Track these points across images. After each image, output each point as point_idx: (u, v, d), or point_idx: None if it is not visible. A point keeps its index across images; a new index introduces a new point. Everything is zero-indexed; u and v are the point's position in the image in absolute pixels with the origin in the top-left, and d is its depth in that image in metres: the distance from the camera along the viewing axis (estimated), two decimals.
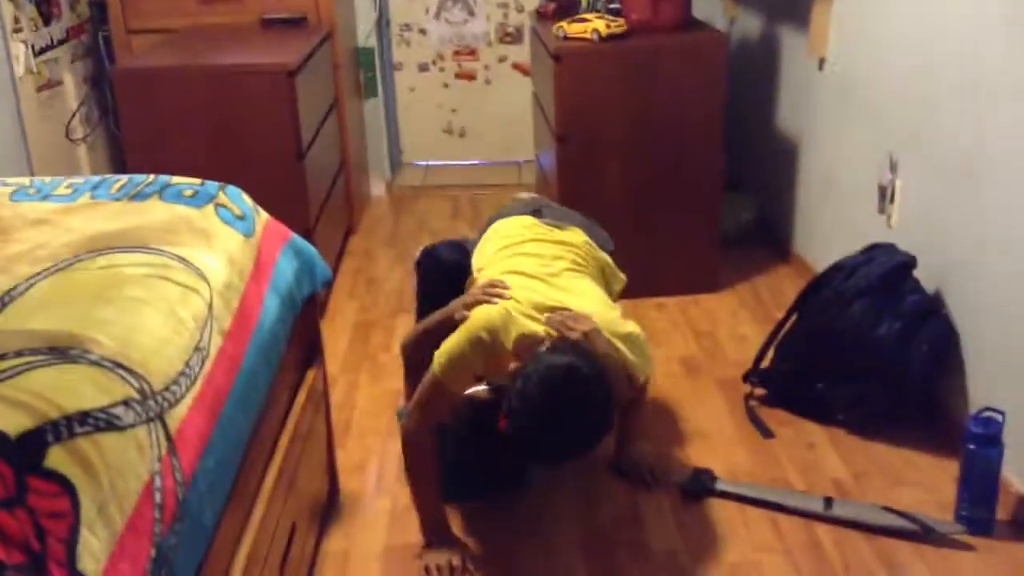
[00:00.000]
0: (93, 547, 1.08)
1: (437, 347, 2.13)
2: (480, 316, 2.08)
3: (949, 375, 2.49)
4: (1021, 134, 2.17)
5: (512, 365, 2.01)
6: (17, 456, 1.06)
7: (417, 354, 2.32)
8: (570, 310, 2.09)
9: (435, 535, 2.21)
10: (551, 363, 1.90)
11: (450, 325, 2.17)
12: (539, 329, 2.04)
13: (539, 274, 2.23)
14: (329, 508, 2.36)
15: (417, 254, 2.72)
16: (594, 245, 2.44)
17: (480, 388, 2.25)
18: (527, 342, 2.02)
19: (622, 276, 2.49)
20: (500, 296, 2.12)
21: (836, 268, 2.65)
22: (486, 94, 5.14)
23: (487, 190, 4.84)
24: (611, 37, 3.23)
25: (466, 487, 2.34)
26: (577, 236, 2.41)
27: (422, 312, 2.54)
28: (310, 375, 2.21)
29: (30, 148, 3.47)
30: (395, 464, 2.50)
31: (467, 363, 2.08)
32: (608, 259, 2.45)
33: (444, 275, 2.53)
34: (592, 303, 2.18)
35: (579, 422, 1.90)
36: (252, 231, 1.93)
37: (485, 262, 2.37)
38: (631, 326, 2.18)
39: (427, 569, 2.13)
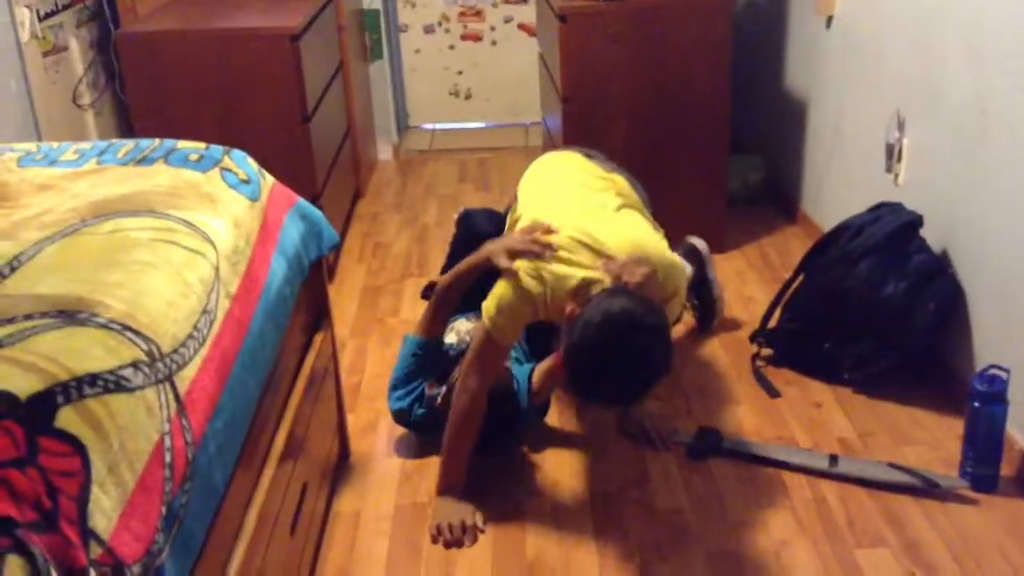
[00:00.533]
0: (104, 505, 1.10)
1: (468, 287, 2.20)
2: (526, 275, 2.06)
3: (955, 334, 2.49)
4: None
5: (568, 308, 2.00)
6: (28, 417, 1.08)
7: (447, 293, 2.38)
8: (624, 257, 2.04)
9: (454, 489, 2.24)
10: (608, 308, 1.89)
11: (486, 268, 2.19)
12: (592, 274, 2.02)
13: (588, 207, 2.21)
14: (340, 469, 2.39)
15: (457, 214, 2.81)
16: (637, 190, 2.43)
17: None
18: (582, 287, 2.01)
19: (661, 230, 2.45)
20: (546, 246, 2.07)
21: (843, 227, 2.65)
22: (492, 56, 5.11)
23: (494, 153, 4.83)
24: None
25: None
26: (622, 180, 2.40)
27: (447, 269, 2.58)
28: (318, 338, 2.23)
29: (37, 114, 3.46)
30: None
31: (516, 316, 2.10)
32: (647, 210, 2.43)
33: (476, 244, 2.54)
34: (643, 232, 2.18)
35: (636, 366, 1.90)
36: (258, 195, 1.94)
37: (529, 196, 2.34)
38: (677, 258, 2.19)
39: (439, 528, 2.17)
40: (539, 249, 2.08)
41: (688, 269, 2.85)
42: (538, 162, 2.54)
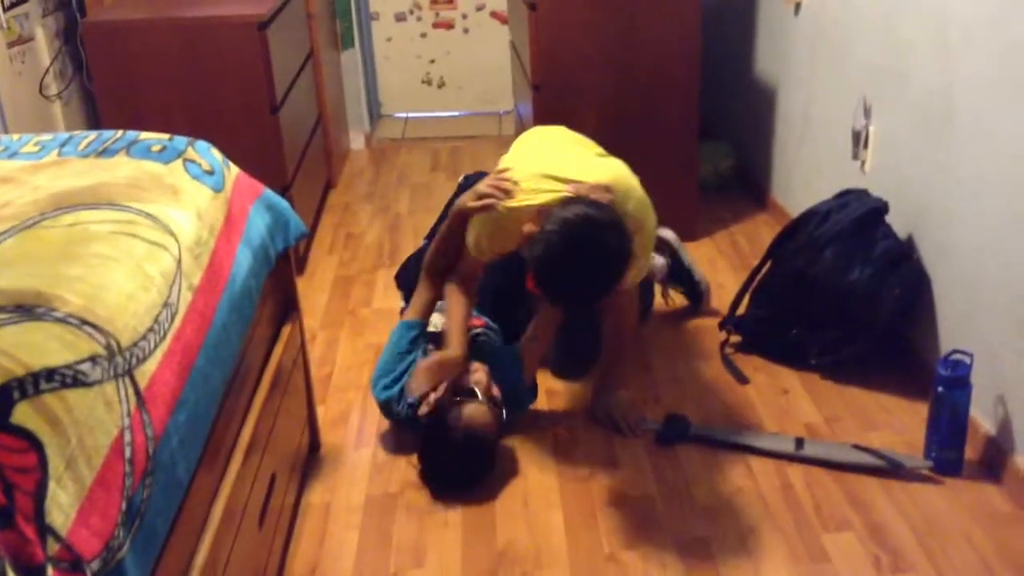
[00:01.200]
0: (61, 501, 1.10)
1: (454, 250, 2.32)
2: (482, 219, 2.24)
3: (920, 319, 2.52)
4: (989, 78, 2.17)
5: (527, 228, 2.11)
6: None
7: (436, 260, 2.42)
8: (590, 183, 2.15)
9: (453, 345, 2.32)
10: (564, 215, 2.01)
11: (460, 222, 2.30)
12: (555, 198, 2.12)
13: (567, 154, 2.35)
14: (310, 461, 2.39)
15: (461, 178, 2.94)
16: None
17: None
18: (544, 209, 2.11)
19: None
20: (506, 190, 2.20)
21: (810, 214, 2.67)
22: (464, 44, 5.10)
23: (467, 141, 4.82)
24: None
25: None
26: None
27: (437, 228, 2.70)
28: (286, 330, 2.22)
29: (3, 106, 3.42)
30: (375, 417, 2.52)
31: (490, 246, 2.28)
32: None
33: None
34: (620, 170, 2.26)
35: (598, 261, 2.00)
36: (222, 186, 1.92)
37: (513, 155, 2.43)
38: (648, 203, 2.26)
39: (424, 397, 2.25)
40: (506, 186, 2.20)
41: (660, 260, 2.88)
42: (525, 133, 2.63)
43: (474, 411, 2.24)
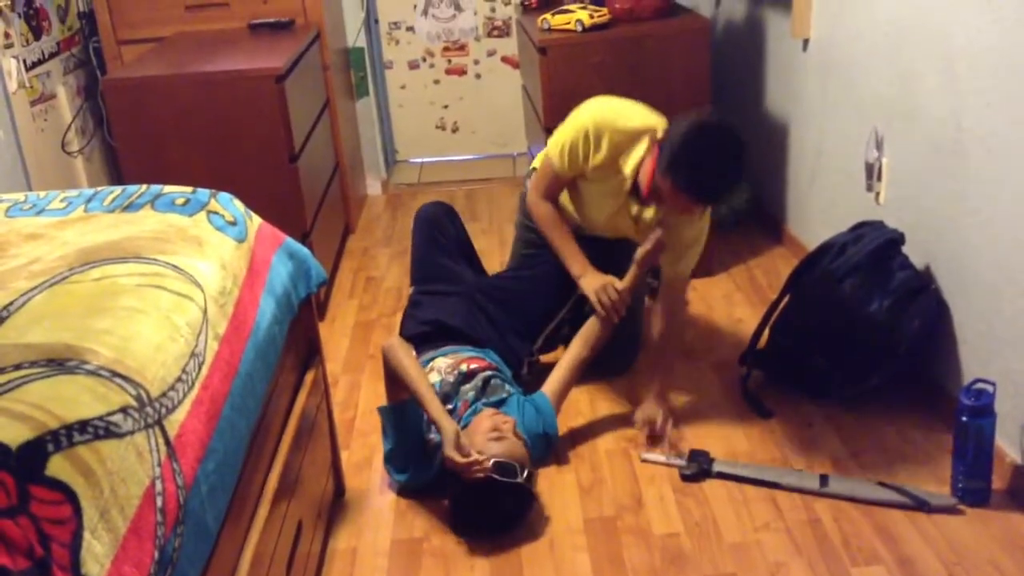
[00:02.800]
0: (96, 551, 1.11)
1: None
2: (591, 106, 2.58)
3: (941, 349, 2.52)
4: (998, 108, 2.19)
5: (647, 145, 2.40)
6: (18, 466, 1.10)
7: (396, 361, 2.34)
8: None
9: (586, 266, 2.58)
10: (694, 117, 2.27)
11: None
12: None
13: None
14: (336, 507, 2.39)
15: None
16: None
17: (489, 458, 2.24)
18: (644, 131, 2.43)
19: None
20: None
21: (826, 247, 2.68)
22: (477, 89, 5.17)
23: (482, 184, 4.86)
24: (595, 27, 3.26)
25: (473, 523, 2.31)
26: None
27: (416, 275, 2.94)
28: (309, 376, 2.24)
29: (27, 163, 3.50)
30: None
31: (574, 154, 2.53)
32: None
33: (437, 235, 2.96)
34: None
35: (732, 148, 2.26)
36: (244, 236, 1.96)
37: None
38: None
39: (599, 300, 2.51)
40: None
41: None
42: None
43: (510, 448, 2.25)
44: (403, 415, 2.38)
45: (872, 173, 2.83)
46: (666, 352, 2.65)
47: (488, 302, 2.76)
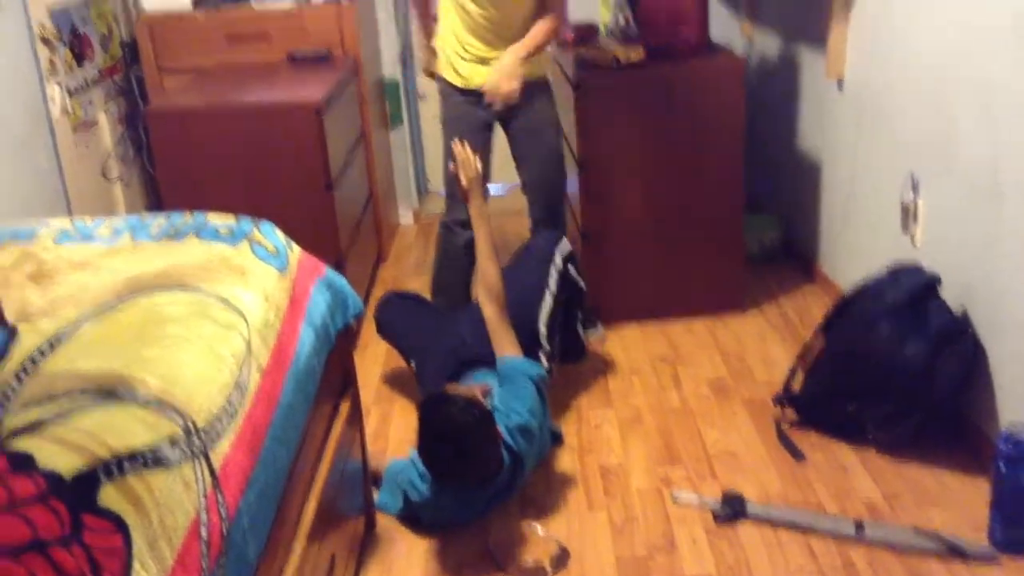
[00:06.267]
0: None
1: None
2: None
3: (978, 394, 2.49)
4: None
5: None
6: (72, 496, 1.11)
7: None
8: None
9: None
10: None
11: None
12: None
13: None
14: (367, 540, 2.39)
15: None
16: None
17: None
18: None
19: None
20: None
21: (862, 288, 2.67)
22: None
23: (511, 216, 4.88)
24: (630, 64, 3.28)
25: None
26: None
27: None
28: (344, 407, 2.25)
29: (68, 188, 3.55)
30: None
31: None
32: None
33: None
34: None
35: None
36: (286, 266, 1.98)
37: None
38: None
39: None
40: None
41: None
42: None
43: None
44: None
45: (908, 215, 2.82)
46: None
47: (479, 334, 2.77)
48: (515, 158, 3.30)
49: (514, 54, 2.97)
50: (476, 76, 3.10)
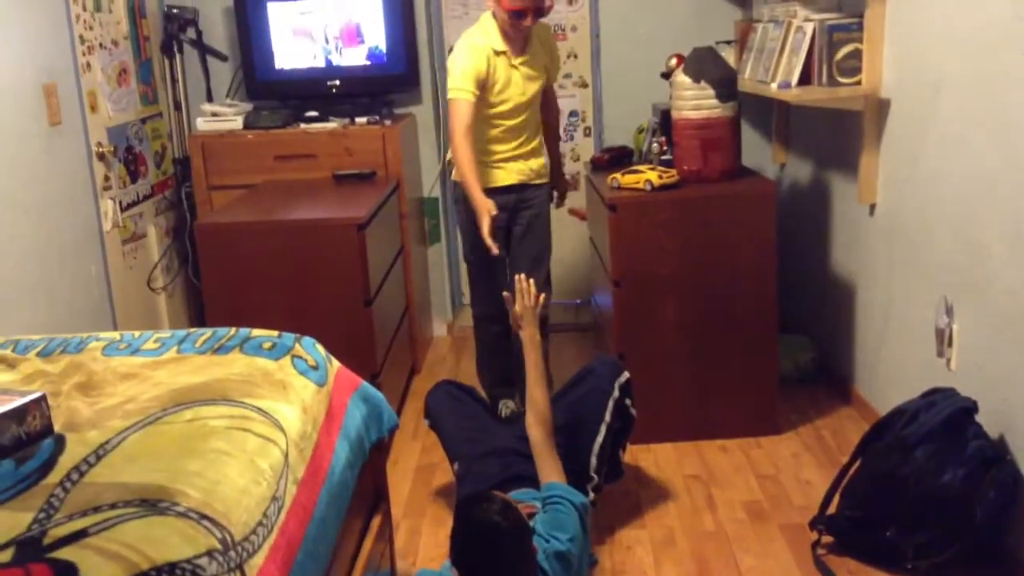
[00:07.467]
0: None
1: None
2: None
3: (1018, 521, 2.44)
4: None
5: None
6: None
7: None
8: None
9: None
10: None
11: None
12: None
13: None
14: None
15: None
16: None
17: None
18: None
19: None
20: None
21: (897, 413, 2.65)
22: None
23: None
24: (663, 187, 3.36)
25: None
26: None
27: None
28: (375, 521, 2.26)
29: (113, 296, 3.67)
30: None
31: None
32: None
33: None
34: None
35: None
36: (325, 380, 2.03)
37: None
38: None
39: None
40: None
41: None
42: None
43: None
44: None
45: (943, 339, 2.82)
46: (552, 128, 3.71)
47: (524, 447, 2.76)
48: (507, 253, 3.57)
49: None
50: (496, 178, 3.45)
